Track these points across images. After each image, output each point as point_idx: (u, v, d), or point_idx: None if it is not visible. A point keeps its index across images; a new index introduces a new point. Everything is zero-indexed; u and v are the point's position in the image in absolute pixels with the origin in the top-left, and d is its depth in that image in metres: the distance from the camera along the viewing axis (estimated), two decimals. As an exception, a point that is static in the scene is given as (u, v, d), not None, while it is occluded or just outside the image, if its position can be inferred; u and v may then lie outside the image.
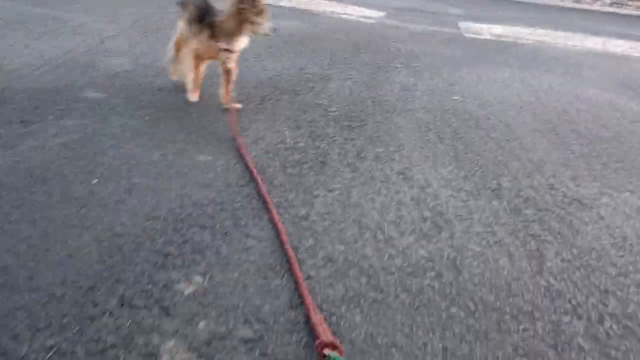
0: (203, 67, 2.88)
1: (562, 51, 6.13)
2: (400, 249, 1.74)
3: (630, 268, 1.78)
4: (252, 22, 2.57)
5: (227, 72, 2.74)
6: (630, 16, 12.63)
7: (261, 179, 2.04)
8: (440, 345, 1.34)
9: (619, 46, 6.98)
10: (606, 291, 1.64)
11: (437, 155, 2.57)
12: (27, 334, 1.20)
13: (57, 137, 2.25)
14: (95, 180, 1.93)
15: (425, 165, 2.44)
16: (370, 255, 1.68)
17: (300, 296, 1.41)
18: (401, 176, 2.29)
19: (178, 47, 2.91)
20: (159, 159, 2.17)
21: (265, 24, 2.59)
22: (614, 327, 1.48)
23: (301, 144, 2.50)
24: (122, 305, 1.33)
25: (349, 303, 1.44)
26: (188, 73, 2.81)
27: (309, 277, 1.53)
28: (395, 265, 1.64)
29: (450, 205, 2.07)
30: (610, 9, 14.39)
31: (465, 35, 6.67)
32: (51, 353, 1.16)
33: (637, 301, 1.60)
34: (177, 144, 2.33)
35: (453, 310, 1.47)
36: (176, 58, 2.97)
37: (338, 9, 7.56)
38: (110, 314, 1.30)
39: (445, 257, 1.72)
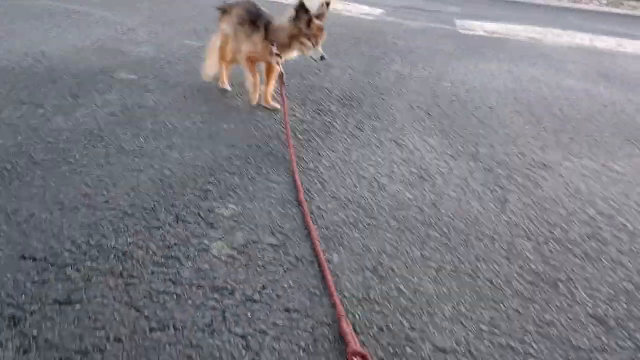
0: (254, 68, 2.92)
1: (550, 47, 6.59)
2: (391, 193, 2.19)
3: (578, 210, 2.23)
4: (303, 43, 2.66)
5: (273, 72, 2.89)
6: (624, 15, 13.10)
7: (288, 139, 2.48)
8: (419, 253, 1.78)
9: (605, 42, 7.44)
10: (555, 224, 2.09)
11: (426, 128, 3.03)
12: (113, 235, 1.65)
13: (104, 108, 2.70)
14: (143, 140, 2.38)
15: (415, 136, 2.89)
16: (366, 196, 2.13)
17: (308, 226, 1.85)
18: (394, 143, 2.74)
19: (222, 53, 2.99)
20: (190, 125, 2.62)
21: (316, 50, 2.68)
22: (557, 247, 1.93)
23: (308, 117, 2.95)
24: (177, 221, 1.78)
25: (350, 225, 1.89)
26: (249, 77, 2.89)
27: (319, 208, 1.98)
28: (387, 203, 2.09)
29: (434, 165, 2.52)
30: (606, 9, 14.86)
31: (460, 31, 7.13)
32: (131, 246, 1.61)
33: (578, 232, 2.05)
34: (204, 115, 2.78)
35: (430, 232, 1.92)
36: (212, 61, 3.03)
37: (340, 6, 8.01)
38: (169, 225, 1.75)
39: (427, 199, 2.17)
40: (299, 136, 2.66)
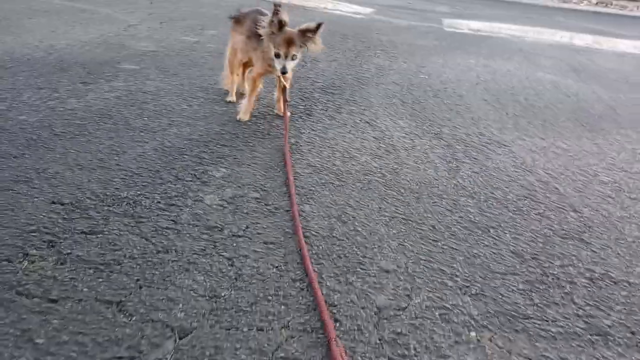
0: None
1: (529, 43, 7.00)
2: (359, 162, 2.58)
3: (519, 177, 2.63)
4: (268, 52, 2.58)
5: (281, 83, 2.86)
6: (611, 14, 13.54)
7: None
8: (377, 206, 2.18)
9: (584, 40, 7.86)
10: (496, 187, 2.48)
11: (398, 113, 3.42)
12: (124, 188, 2.04)
13: (110, 93, 3.09)
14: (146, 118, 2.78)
15: (387, 118, 3.28)
16: (338, 165, 2.52)
17: (288, 183, 2.24)
18: (367, 124, 3.14)
19: (231, 66, 3.02)
20: (187, 107, 3.02)
21: (278, 61, 2.57)
22: (494, 204, 2.32)
23: (293, 102, 3.34)
24: (177, 180, 2.17)
25: (321, 185, 2.29)
26: (247, 88, 2.91)
27: (296, 173, 2.37)
28: (355, 169, 2.49)
29: (400, 141, 2.92)
30: (596, 8, 15.32)
31: (445, 29, 7.54)
32: (140, 196, 2.00)
33: (516, 193, 2.44)
34: (199, 99, 3.18)
35: (389, 191, 2.31)
36: (231, 72, 3.06)
37: (330, 5, 8.42)
38: (170, 182, 2.14)
39: (390, 167, 2.56)
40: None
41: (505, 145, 3.05)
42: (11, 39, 4.02)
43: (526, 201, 2.38)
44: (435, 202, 2.27)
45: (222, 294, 1.53)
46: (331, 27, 6.27)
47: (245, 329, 1.41)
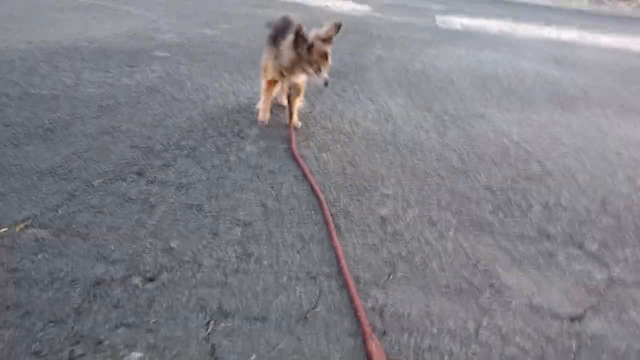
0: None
1: (517, 38, 7.66)
2: (363, 127, 3.21)
3: (496, 140, 3.25)
4: (305, 69, 2.64)
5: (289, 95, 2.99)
6: (601, 13, 14.23)
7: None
8: (379, 156, 2.80)
9: (570, 35, 8.52)
10: (476, 146, 3.11)
11: (395, 93, 4.06)
12: (183, 140, 2.66)
13: (152, 74, 3.72)
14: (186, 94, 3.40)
15: (386, 96, 3.92)
16: (346, 128, 3.14)
17: (289, 137, 2.85)
18: (369, 100, 3.77)
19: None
20: (218, 86, 3.64)
21: (319, 75, 2.63)
22: (474, 157, 2.94)
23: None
24: (221, 135, 2.79)
25: (334, 141, 2.91)
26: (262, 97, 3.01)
27: (312, 133, 2.99)
28: (360, 131, 3.11)
29: (397, 113, 3.55)
30: (590, 7, 16.01)
31: (439, 25, 8.19)
32: (196, 145, 2.62)
33: (492, 150, 3.06)
34: (227, 80, 3.80)
35: (388, 147, 2.94)
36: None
37: (330, 3, 9.07)
38: (216, 137, 2.75)
39: (389, 131, 3.19)
40: (299, 94, 3.69)
41: (486, 118, 3.68)
42: (53, 31, 4.65)
43: (500, 156, 3.00)
44: (426, 154, 2.90)
45: (268, 204, 2.15)
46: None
47: (288, 225, 2.03)
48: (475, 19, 9.33)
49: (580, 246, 2.12)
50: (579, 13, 13.70)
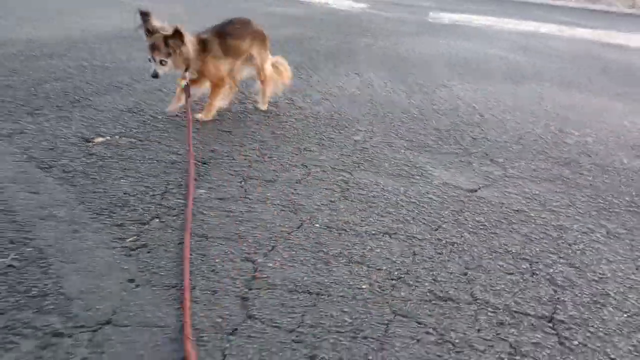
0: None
1: (494, 30, 8.71)
2: (349, 92, 4.26)
3: (452, 101, 4.29)
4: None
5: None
6: (593, 10, 15.26)
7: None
8: (358, 109, 3.84)
9: (548, 28, 9.57)
10: (435, 104, 4.15)
11: (378, 70, 5.11)
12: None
13: (182, 54, 4.79)
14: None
15: (371, 72, 4.97)
16: (335, 91, 4.20)
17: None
18: (356, 74, 4.83)
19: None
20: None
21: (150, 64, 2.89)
22: (431, 111, 3.98)
23: (302, 65, 5.03)
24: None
25: (325, 99, 3.96)
26: None
27: (308, 94, 4.05)
28: (346, 94, 4.17)
29: (377, 83, 4.60)
30: (584, 5, 17.02)
31: (428, 20, 9.26)
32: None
33: (446, 107, 4.11)
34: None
35: (368, 104, 3.98)
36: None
37: (330, 0, 10.15)
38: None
39: (368, 94, 4.23)
40: (296, 74, 4.75)
41: (448, 87, 4.73)
42: (102, 22, 5.74)
43: (451, 110, 4.05)
44: (395, 110, 3.95)
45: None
46: (327, 17, 7.99)
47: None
48: (463, 14, 10.39)
49: (491, 159, 3.16)
50: (571, 10, 14.72)
